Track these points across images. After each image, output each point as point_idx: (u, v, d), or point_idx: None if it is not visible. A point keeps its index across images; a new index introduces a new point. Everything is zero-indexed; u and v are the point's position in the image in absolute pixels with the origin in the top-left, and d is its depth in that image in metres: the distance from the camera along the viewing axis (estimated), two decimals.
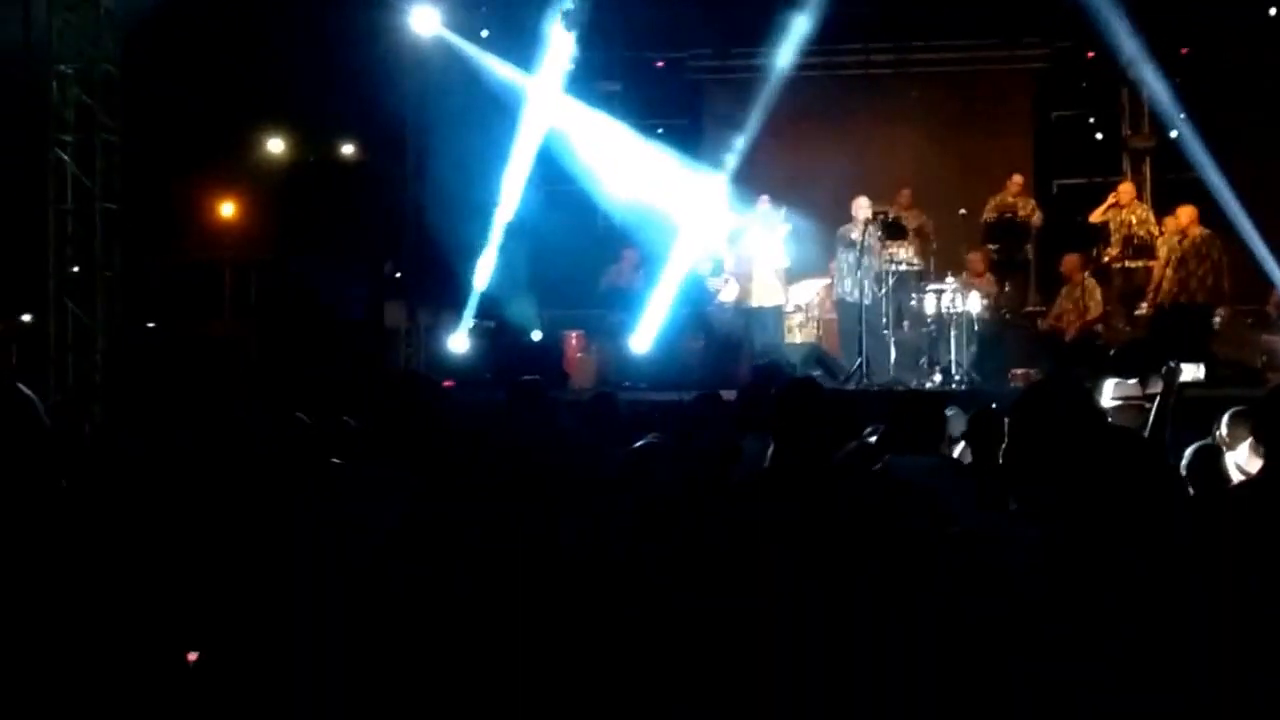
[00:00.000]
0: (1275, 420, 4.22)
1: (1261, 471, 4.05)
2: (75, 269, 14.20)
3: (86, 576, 2.53)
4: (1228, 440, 5.86)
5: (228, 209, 19.77)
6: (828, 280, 14.81)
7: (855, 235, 13.74)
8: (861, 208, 14.00)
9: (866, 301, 13.51)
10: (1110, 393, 6.64)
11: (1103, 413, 3.06)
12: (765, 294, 14.42)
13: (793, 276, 14.99)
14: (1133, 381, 6.72)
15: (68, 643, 2.40)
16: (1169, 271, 13.31)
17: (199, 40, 16.48)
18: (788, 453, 4.07)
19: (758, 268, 14.44)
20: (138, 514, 3.83)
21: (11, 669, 2.13)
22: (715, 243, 15.04)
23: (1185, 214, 13.40)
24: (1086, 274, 13.89)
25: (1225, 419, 6.00)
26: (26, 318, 17.67)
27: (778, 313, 14.57)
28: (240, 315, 18.88)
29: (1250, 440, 5.89)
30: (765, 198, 14.85)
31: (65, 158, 13.91)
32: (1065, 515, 2.84)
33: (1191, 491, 5.42)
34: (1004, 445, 3.32)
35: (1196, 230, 13.28)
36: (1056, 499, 2.87)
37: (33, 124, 14.15)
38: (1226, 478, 5.68)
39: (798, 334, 15.11)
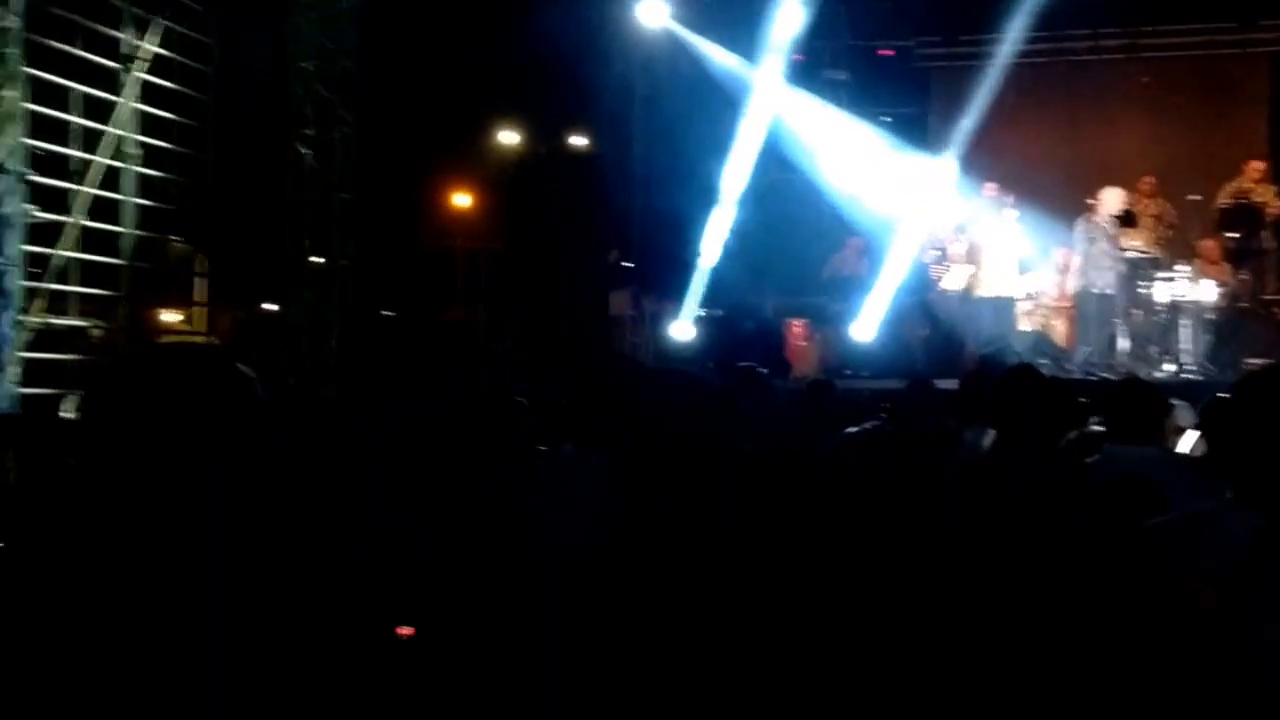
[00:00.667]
0: None
1: None
2: (313, 258, 14.79)
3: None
4: None
5: (461, 199, 20.37)
6: (1058, 269, 14.50)
7: (1099, 224, 13.43)
8: (1113, 197, 13.62)
9: (1108, 290, 13.23)
10: None
11: None
12: (997, 283, 14.17)
13: (1022, 265, 14.74)
14: None
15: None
16: None
17: (433, 35, 17.00)
18: (1006, 440, 4.10)
19: (989, 256, 14.20)
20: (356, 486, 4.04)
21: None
22: (941, 231, 14.88)
23: None
24: None
25: None
26: (267, 305, 18.56)
27: (1009, 302, 14.32)
28: (471, 302, 19.41)
29: None
30: (993, 185, 14.63)
31: (305, 151, 14.45)
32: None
33: None
34: (1227, 433, 3.19)
35: None
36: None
37: (277, 120, 14.78)
38: None
39: (1025, 323, 14.86)
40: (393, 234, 18.54)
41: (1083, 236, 13.52)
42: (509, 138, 19.37)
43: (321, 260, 14.87)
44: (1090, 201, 13.56)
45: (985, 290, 14.17)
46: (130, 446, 2.25)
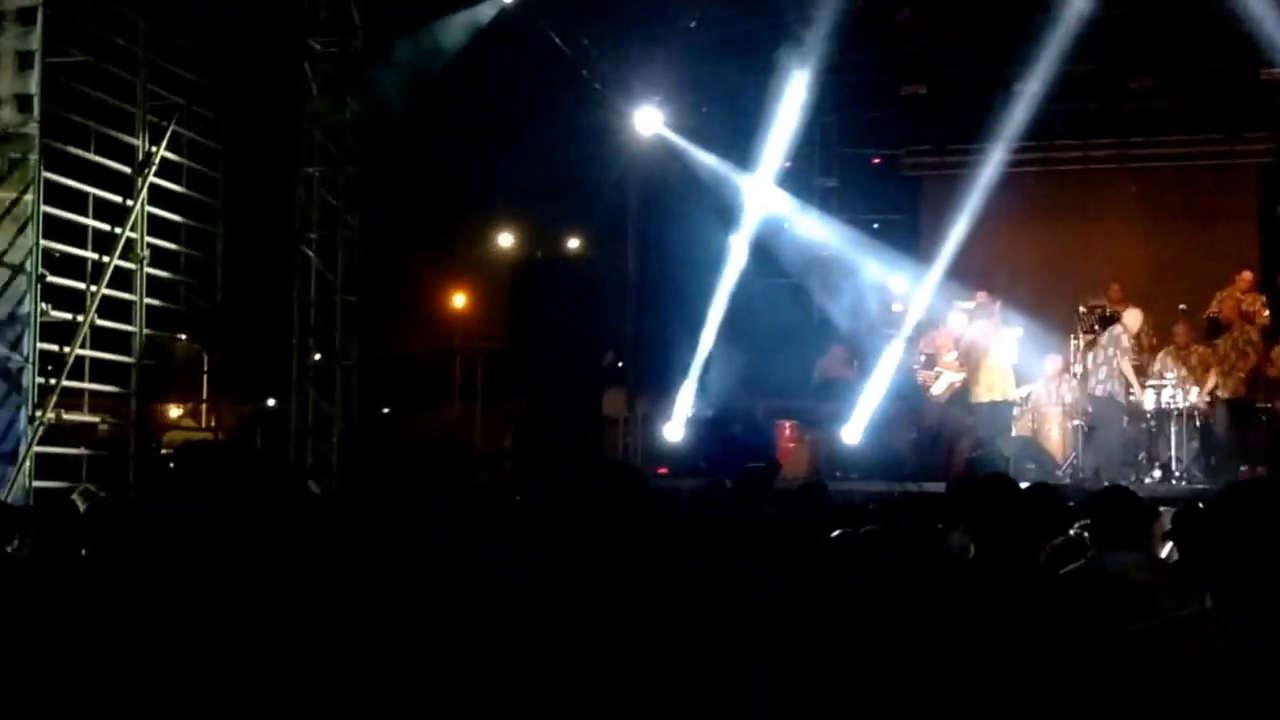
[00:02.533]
0: None
1: None
2: (317, 357, 15.03)
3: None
4: None
5: (459, 300, 20.66)
6: (1049, 376, 14.70)
7: (1120, 338, 13.66)
8: (1135, 318, 13.90)
9: (1117, 398, 13.48)
10: None
11: None
12: (992, 388, 14.28)
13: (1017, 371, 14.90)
14: None
15: None
16: None
17: (437, 142, 17.35)
18: (987, 546, 4.26)
19: (985, 361, 14.37)
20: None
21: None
22: (929, 337, 15.15)
23: None
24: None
25: None
26: (271, 402, 18.75)
27: (1007, 406, 14.42)
28: (468, 401, 19.57)
29: None
30: (983, 293, 14.91)
31: (310, 253, 14.74)
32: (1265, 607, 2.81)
33: None
34: (1208, 541, 3.19)
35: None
36: (1257, 593, 2.83)
37: (283, 223, 15.08)
38: None
39: (1016, 429, 15.02)
40: (394, 334, 18.76)
41: (1107, 346, 13.66)
42: (507, 240, 19.70)
43: (322, 358, 15.11)
44: (1111, 312, 13.88)
45: (985, 396, 14.31)
46: (199, 540, 2.34)
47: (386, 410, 20.71)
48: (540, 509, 5.74)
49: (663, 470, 14.97)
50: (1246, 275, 14.82)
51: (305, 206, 14.76)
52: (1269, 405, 13.82)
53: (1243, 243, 17.08)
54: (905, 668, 3.70)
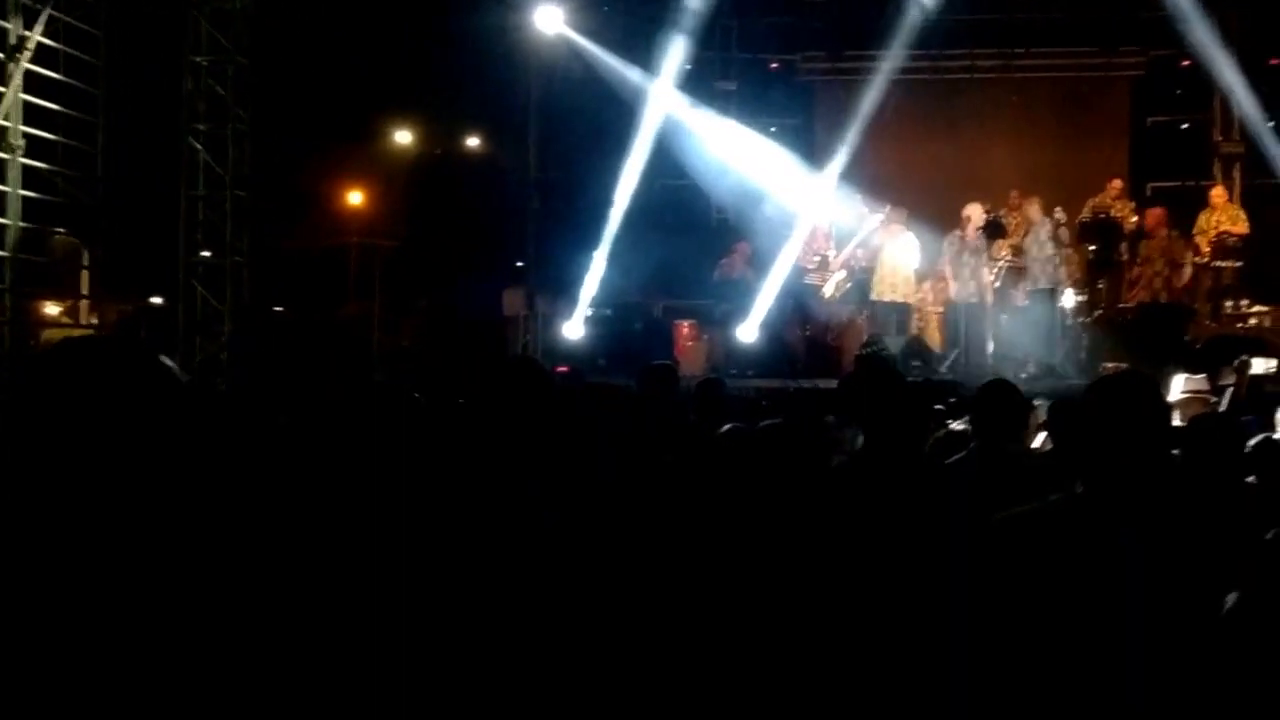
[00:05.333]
0: None
1: None
2: (205, 254, 14.87)
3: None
4: None
5: (355, 197, 20.51)
6: (933, 279, 15.18)
7: (966, 237, 14.23)
8: (975, 212, 14.44)
9: (972, 299, 14.07)
10: (1179, 387, 7.03)
11: (1165, 408, 3.42)
12: (894, 289, 14.77)
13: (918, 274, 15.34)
14: (1200, 376, 7.11)
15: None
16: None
17: (330, 34, 17.11)
18: (874, 441, 4.50)
19: (885, 265, 14.80)
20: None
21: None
22: (826, 239, 15.47)
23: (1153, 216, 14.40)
24: (1173, 230, 14.41)
25: None
26: (157, 300, 18.54)
27: (901, 307, 14.94)
28: (364, 300, 19.51)
29: None
30: (889, 208, 15.28)
31: (198, 146, 14.52)
32: (1130, 501, 3.00)
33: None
34: (1077, 434, 3.51)
35: (1163, 232, 14.11)
36: (1121, 485, 3.02)
37: (168, 114, 14.81)
38: None
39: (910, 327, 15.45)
40: (288, 230, 18.60)
41: (950, 249, 14.33)
42: (405, 137, 19.57)
43: (211, 255, 14.94)
44: (965, 215, 14.35)
45: (885, 296, 14.76)
46: (55, 445, 2.20)
47: (280, 308, 20.56)
48: (441, 407, 5.81)
49: (562, 369, 15.17)
50: (1116, 183, 15.57)
51: (192, 98, 14.52)
52: (1133, 305, 14.46)
53: (1115, 153, 17.71)
54: (798, 555, 3.90)
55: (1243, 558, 3.30)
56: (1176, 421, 6.34)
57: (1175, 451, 4.65)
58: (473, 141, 19.17)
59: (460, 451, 4.49)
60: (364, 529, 3.55)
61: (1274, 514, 3.97)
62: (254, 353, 15.04)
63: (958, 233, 14.35)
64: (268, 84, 15.30)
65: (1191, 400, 6.85)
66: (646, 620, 3.72)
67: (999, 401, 5.30)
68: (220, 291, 14.74)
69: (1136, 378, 3.35)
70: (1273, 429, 6.72)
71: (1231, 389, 6.04)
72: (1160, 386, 7.23)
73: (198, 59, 14.48)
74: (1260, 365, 10.28)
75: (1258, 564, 3.37)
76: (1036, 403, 7.46)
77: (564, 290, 16.19)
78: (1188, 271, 14.46)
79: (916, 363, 13.65)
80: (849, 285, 15.17)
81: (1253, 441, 6.17)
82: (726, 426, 4.82)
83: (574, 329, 15.96)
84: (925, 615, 3.55)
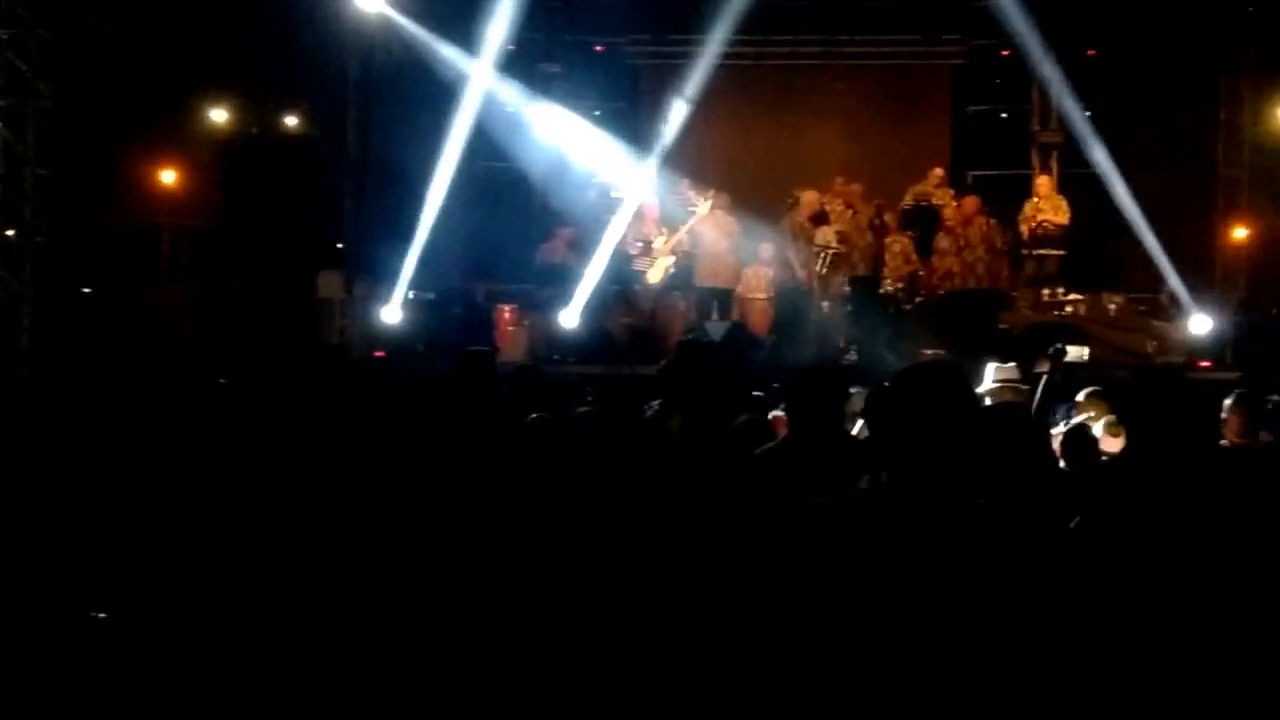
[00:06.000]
0: (1135, 404, 4.77)
1: (1122, 451, 4.56)
2: (10, 233, 14.38)
3: None
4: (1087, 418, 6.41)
5: (168, 176, 19.90)
6: (762, 263, 15.27)
7: (797, 222, 14.36)
8: (810, 198, 14.58)
9: (796, 285, 14.20)
10: (991, 376, 7.12)
11: (973, 395, 3.38)
12: (716, 275, 14.85)
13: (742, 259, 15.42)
14: (1011, 365, 7.21)
15: None
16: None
17: (139, 7, 16.55)
18: (690, 427, 4.44)
19: (708, 251, 14.83)
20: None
21: None
22: (646, 224, 15.47)
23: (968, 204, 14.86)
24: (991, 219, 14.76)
25: (1081, 397, 6.51)
26: None
27: (723, 293, 15.03)
28: (175, 282, 18.98)
29: (1107, 420, 6.44)
30: (713, 193, 15.31)
31: None
32: (933, 490, 2.98)
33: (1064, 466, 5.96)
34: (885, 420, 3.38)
35: (980, 220, 14.67)
36: (924, 474, 2.99)
37: None
38: (1097, 455, 6.18)
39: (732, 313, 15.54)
40: (95, 210, 17.99)
41: (780, 234, 14.44)
42: (220, 115, 19.05)
43: (13, 233, 14.48)
44: (790, 201, 14.45)
45: (707, 282, 14.80)
46: None
47: (88, 290, 19.86)
48: (248, 394, 5.69)
49: (379, 353, 14.91)
50: (938, 171, 15.87)
51: None
52: (948, 293, 14.76)
53: (936, 141, 18.02)
54: (609, 541, 3.89)
55: (1046, 546, 3.32)
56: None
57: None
58: (291, 121, 18.73)
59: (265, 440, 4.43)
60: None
61: (1079, 502, 4.02)
62: (58, 337, 14.57)
63: (788, 216, 14.48)
64: (71, 57, 14.77)
65: (1003, 389, 6.91)
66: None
67: (813, 389, 5.27)
68: (20, 272, 14.30)
69: (941, 366, 3.33)
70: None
71: (1045, 378, 6.11)
72: (972, 374, 7.38)
73: None
74: (1074, 353, 10.54)
75: (1062, 550, 3.41)
76: (854, 390, 7.52)
77: (383, 273, 15.91)
78: (1005, 259, 14.81)
79: (737, 349, 13.70)
80: (673, 271, 15.20)
81: (1059, 429, 6.29)
82: (534, 415, 4.74)
83: (392, 313, 15.70)
84: (722, 597, 3.53)
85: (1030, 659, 2.94)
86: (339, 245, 17.08)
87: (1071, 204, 15.40)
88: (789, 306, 14.27)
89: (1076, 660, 3.19)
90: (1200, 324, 13.96)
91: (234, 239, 17.17)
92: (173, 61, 17.27)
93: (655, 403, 7.24)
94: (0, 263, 14.25)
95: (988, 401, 6.86)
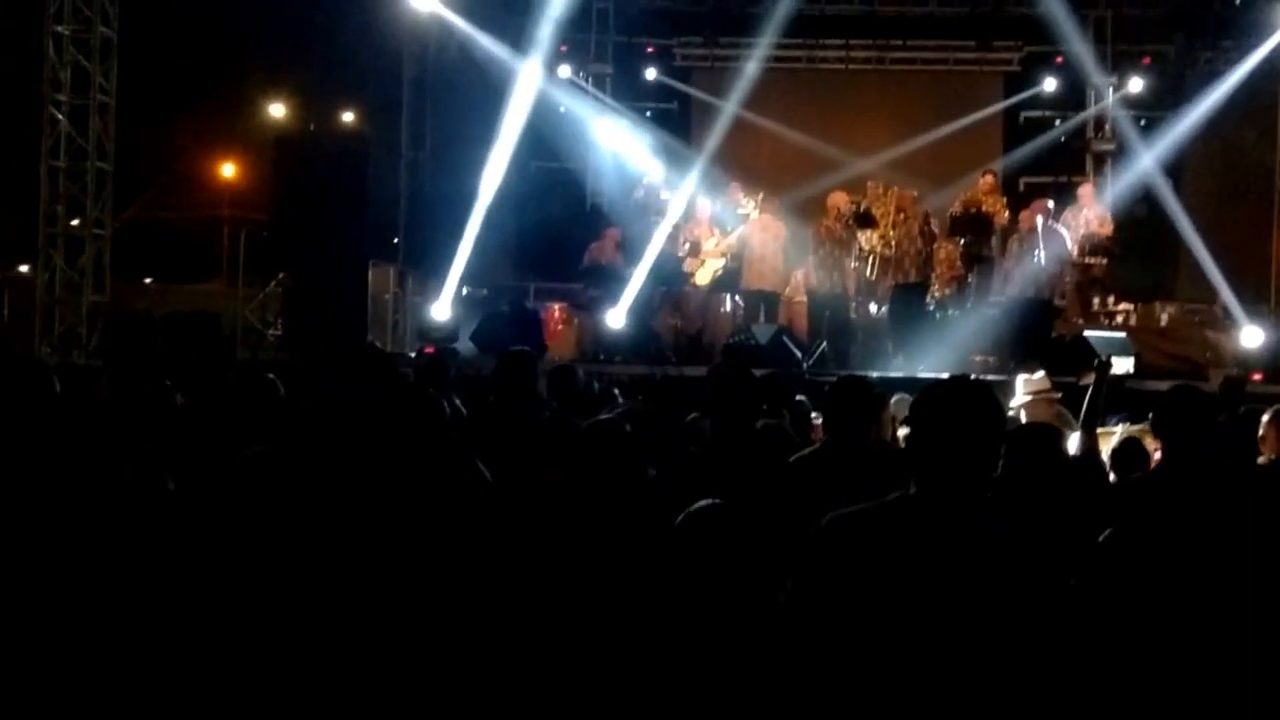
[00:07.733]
0: (1173, 417, 4.76)
1: (1156, 466, 4.54)
2: (72, 222, 14.61)
3: None
4: None
5: (227, 170, 20.12)
6: (802, 269, 15.27)
7: (831, 227, 14.36)
8: (840, 202, 14.57)
9: (836, 290, 14.18)
10: (1021, 389, 7.07)
11: (999, 412, 3.36)
12: (763, 278, 14.82)
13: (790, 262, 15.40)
14: (1040, 375, 7.13)
15: None
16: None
17: (202, 6, 16.77)
18: (721, 429, 4.46)
19: (755, 253, 14.82)
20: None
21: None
22: (709, 226, 15.47)
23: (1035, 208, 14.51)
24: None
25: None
26: (24, 269, 18.09)
27: (770, 297, 14.98)
28: (233, 274, 19.15)
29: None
30: (762, 196, 15.31)
31: (60, 117, 14.25)
32: (958, 504, 2.99)
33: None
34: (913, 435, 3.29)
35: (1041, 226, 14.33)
36: (951, 488, 2.99)
37: (29, 82, 14.49)
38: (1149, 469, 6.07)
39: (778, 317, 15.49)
40: (155, 203, 18.22)
41: (814, 239, 14.43)
42: (279, 111, 19.24)
43: (77, 223, 14.74)
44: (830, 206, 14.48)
45: (755, 284, 14.79)
46: None
47: (149, 280, 20.13)
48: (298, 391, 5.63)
49: (429, 349, 15.00)
50: (989, 178, 15.66)
51: (55, 68, 14.27)
52: (1003, 300, 14.63)
53: (988, 147, 17.95)
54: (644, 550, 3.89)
55: (1070, 563, 3.33)
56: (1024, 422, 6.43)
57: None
58: (347, 117, 18.90)
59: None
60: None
61: (1127, 514, 4.03)
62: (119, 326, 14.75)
63: (822, 220, 14.49)
64: (134, 53, 14.98)
65: (1037, 402, 6.86)
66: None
67: (849, 397, 5.28)
68: (81, 264, 14.56)
69: (971, 382, 3.32)
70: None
71: (1090, 390, 6.01)
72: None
73: (60, 28, 14.18)
74: (1120, 365, 10.43)
75: (1089, 566, 3.41)
76: (897, 398, 7.51)
77: (434, 270, 16.00)
78: (1060, 268, 14.63)
79: (781, 354, 13.71)
80: (722, 273, 15.22)
81: (1115, 441, 6.26)
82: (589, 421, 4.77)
83: (442, 310, 15.76)
84: (747, 608, 3.54)
85: (1052, 674, 2.94)
86: (394, 241, 17.20)
87: (1124, 213, 15.27)
88: (829, 312, 14.22)
89: (1103, 674, 3.21)
90: (1253, 336, 13.80)
91: (286, 233, 17.27)
92: (232, 60, 17.46)
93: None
94: (62, 253, 14.47)
95: (1021, 416, 6.83)
